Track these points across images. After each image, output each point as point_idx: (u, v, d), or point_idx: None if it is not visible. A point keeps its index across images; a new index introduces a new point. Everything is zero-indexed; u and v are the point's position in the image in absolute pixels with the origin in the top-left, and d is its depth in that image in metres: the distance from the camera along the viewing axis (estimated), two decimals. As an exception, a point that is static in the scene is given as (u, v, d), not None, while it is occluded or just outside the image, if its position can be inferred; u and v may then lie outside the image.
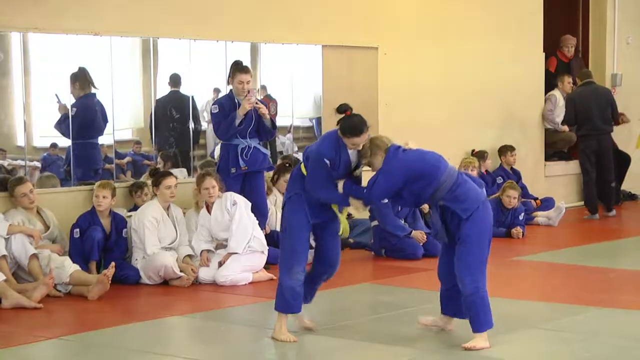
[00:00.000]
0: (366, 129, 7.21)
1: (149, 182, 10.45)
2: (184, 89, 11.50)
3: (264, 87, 12.29)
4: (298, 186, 7.37)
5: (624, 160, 15.55)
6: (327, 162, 7.17)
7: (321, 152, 7.23)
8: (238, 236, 9.84)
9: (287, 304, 7.30)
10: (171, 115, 11.45)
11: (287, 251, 7.35)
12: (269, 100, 11.95)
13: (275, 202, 11.28)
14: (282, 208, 7.57)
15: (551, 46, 15.93)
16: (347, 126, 7.19)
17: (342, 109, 7.30)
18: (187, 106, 11.39)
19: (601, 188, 14.64)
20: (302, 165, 7.42)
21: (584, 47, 16.83)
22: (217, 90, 11.51)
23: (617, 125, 14.85)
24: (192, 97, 11.54)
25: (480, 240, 7.09)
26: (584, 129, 14.56)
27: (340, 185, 7.26)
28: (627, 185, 15.96)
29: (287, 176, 11.48)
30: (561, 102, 15.35)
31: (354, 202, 7.28)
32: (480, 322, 7.05)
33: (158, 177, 10.22)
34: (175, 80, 11.49)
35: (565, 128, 15.50)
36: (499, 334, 7.65)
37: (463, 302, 7.12)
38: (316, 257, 7.63)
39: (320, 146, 7.33)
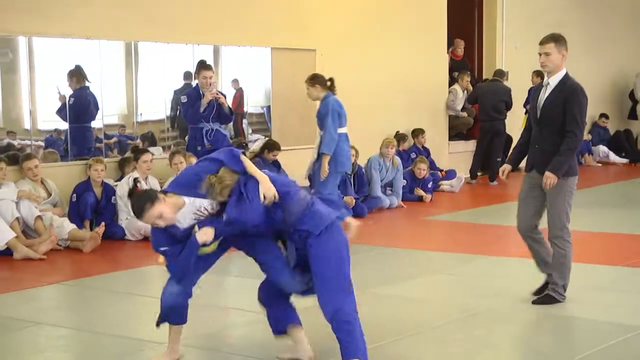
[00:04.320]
0: (148, 206, 4.89)
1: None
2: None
3: (236, 80, 12.30)
4: None
5: (510, 141, 15.95)
6: (164, 249, 5.08)
7: (155, 244, 5.15)
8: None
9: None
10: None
11: None
12: (240, 93, 12.07)
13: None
14: None
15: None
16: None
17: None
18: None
19: (487, 162, 15.02)
20: None
21: (479, 50, 17.05)
22: (188, 86, 11.49)
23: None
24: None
25: (337, 260, 4.99)
26: (481, 115, 15.15)
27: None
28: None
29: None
30: (460, 94, 15.64)
31: (206, 231, 4.98)
32: (350, 351, 4.91)
33: (137, 153, 10.26)
34: (187, 75, 11.50)
35: (465, 114, 15.79)
36: (410, 278, 7.81)
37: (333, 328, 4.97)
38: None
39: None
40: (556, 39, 6.59)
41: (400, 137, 13.92)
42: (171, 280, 5.25)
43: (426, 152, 14.29)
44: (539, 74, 15.90)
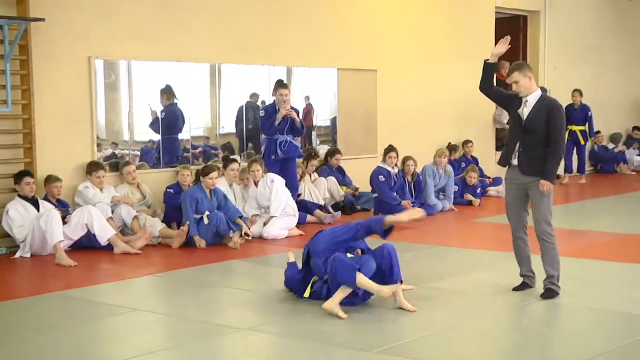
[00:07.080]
0: None
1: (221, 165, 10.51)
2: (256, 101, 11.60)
3: (307, 97, 12.33)
4: None
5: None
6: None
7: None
8: (276, 204, 9.87)
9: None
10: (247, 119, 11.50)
11: None
12: (309, 108, 12.07)
13: (304, 179, 11.37)
14: None
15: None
16: None
17: None
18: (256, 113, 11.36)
19: None
20: None
21: (524, 70, 16.88)
22: (263, 102, 11.54)
23: None
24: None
25: None
26: None
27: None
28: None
29: (313, 162, 11.59)
30: (506, 110, 15.49)
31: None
32: None
33: (227, 162, 10.32)
34: (252, 95, 11.59)
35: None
36: (464, 273, 7.75)
37: None
38: None
39: None
40: (518, 69, 6.80)
41: (451, 148, 13.84)
42: None
43: (475, 161, 14.15)
44: (579, 91, 15.81)
